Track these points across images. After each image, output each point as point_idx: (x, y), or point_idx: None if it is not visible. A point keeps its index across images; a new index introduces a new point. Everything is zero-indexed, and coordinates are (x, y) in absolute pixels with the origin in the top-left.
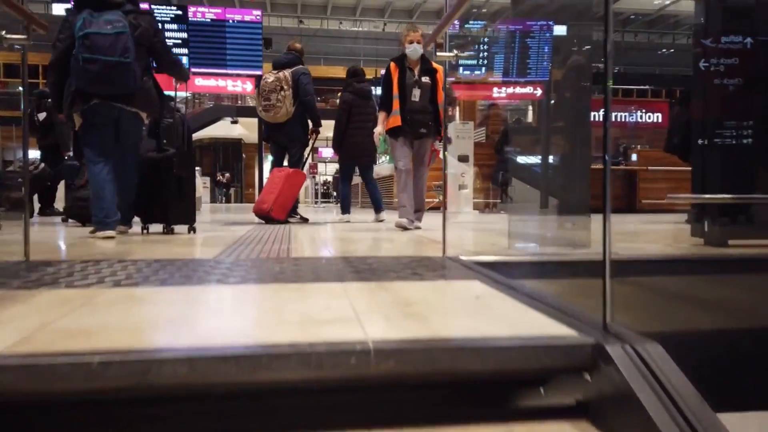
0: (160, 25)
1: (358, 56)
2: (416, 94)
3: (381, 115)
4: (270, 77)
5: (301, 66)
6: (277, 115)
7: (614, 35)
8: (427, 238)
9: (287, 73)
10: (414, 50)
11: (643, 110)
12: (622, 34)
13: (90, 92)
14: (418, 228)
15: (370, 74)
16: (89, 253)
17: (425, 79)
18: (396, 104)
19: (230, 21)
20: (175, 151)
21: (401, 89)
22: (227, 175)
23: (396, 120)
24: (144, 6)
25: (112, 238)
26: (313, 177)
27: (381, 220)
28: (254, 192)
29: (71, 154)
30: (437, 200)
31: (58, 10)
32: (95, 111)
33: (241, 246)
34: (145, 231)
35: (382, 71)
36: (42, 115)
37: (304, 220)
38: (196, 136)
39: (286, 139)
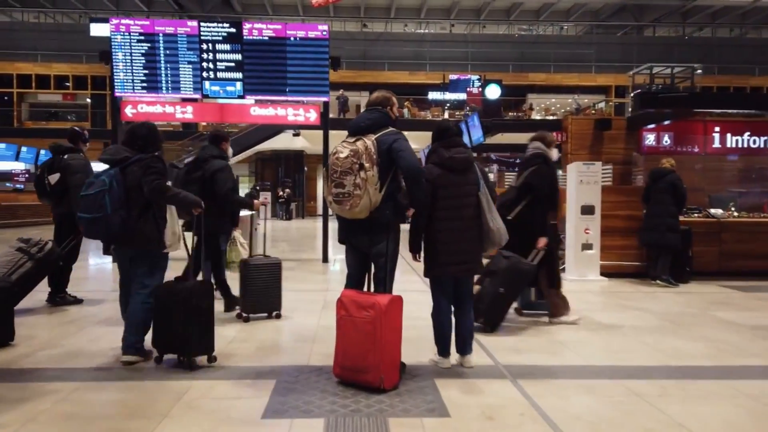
0: (211, 45)
1: (424, 60)
2: None
3: None
4: (343, 151)
5: (391, 129)
6: (354, 208)
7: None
8: None
9: (369, 141)
10: None
11: None
12: (713, 30)
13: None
14: None
15: (437, 79)
16: None
17: None
18: None
19: (291, 39)
20: (197, 282)
21: None
22: (287, 190)
23: None
24: (192, 25)
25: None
26: None
27: (470, 366)
28: (316, 205)
29: None
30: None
31: (96, 31)
32: (115, 251)
33: None
34: (159, 362)
35: (451, 76)
36: (54, 177)
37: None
38: (257, 148)
39: (370, 242)
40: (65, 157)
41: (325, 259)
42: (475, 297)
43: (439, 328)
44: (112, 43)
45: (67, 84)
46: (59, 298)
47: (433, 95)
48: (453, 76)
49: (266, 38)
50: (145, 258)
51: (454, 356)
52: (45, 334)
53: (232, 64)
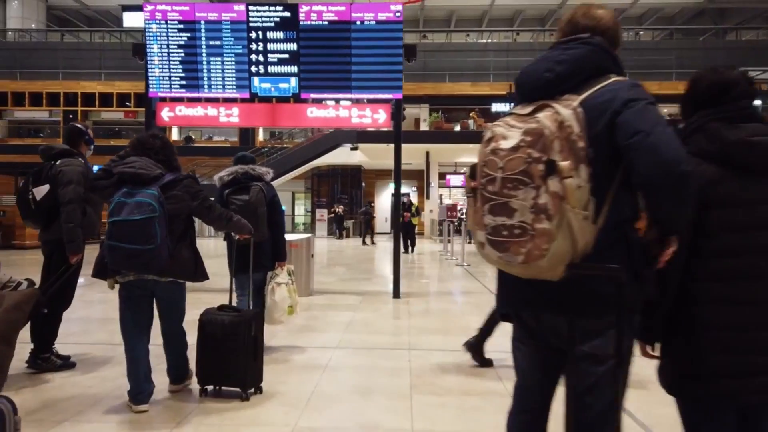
0: (260, 33)
1: (488, 70)
2: None
3: None
4: (508, 135)
5: (615, 80)
6: (537, 260)
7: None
8: None
9: (567, 111)
10: None
11: None
12: (757, 33)
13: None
14: None
15: (501, 89)
16: None
17: None
18: None
19: (357, 23)
20: (255, 312)
21: None
22: (341, 207)
23: None
24: (239, 10)
25: (145, 411)
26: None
27: None
28: (374, 223)
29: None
30: None
31: (129, 21)
32: (132, 285)
33: None
34: (203, 393)
35: None
36: (41, 191)
37: None
38: (314, 163)
39: (573, 330)
40: (57, 163)
41: (397, 294)
42: None
43: None
44: (147, 34)
45: (128, 103)
46: (41, 360)
47: (497, 106)
48: None
49: (327, 23)
50: (175, 290)
51: None
52: None
53: (286, 56)
